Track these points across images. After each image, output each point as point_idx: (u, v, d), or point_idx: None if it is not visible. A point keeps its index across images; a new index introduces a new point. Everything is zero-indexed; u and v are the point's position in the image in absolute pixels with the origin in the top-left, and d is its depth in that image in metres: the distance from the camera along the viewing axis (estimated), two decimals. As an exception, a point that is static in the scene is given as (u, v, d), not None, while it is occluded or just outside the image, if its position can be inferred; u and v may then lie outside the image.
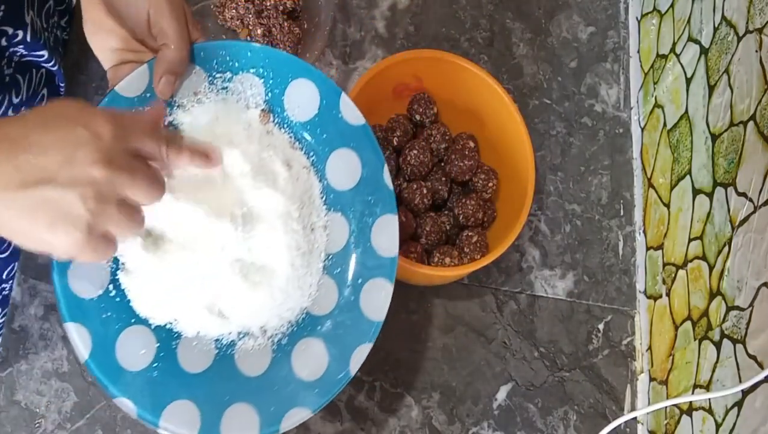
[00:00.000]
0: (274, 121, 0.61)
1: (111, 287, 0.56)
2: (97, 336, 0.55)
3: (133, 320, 0.57)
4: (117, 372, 0.55)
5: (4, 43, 0.64)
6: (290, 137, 0.62)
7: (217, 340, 0.58)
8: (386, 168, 0.61)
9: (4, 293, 0.73)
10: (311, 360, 0.58)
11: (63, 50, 0.76)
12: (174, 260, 0.55)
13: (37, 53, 0.69)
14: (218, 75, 0.60)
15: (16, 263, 0.74)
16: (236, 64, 0.60)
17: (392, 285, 0.59)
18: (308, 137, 0.61)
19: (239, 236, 0.56)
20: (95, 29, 0.57)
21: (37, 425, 0.70)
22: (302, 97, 0.61)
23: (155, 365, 0.56)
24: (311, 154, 0.62)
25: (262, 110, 0.61)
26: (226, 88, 0.60)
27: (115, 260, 0.57)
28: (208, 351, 0.58)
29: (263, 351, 0.58)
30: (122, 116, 0.47)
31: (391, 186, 0.61)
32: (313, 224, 0.60)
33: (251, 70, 0.60)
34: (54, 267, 0.54)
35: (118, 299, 0.56)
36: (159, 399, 0.55)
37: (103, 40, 0.57)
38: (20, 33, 0.64)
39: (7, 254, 0.72)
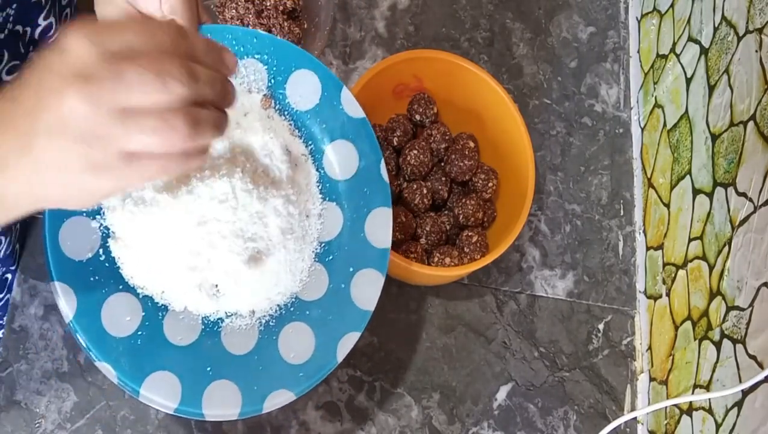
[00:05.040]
0: (275, 107, 0.62)
1: (101, 251, 0.56)
2: (83, 298, 0.54)
3: (120, 287, 0.56)
4: (101, 335, 0.54)
5: (22, 49, 0.64)
6: (290, 124, 0.62)
7: (204, 316, 0.58)
8: (383, 162, 0.62)
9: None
10: (298, 343, 0.58)
11: None
12: (164, 233, 0.55)
13: None
14: None
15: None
16: (242, 49, 0.61)
17: (383, 277, 0.60)
18: (308, 126, 0.62)
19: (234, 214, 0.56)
20: (105, 6, 0.57)
21: (37, 425, 0.70)
22: (304, 87, 0.62)
23: (140, 333, 0.56)
24: (309, 143, 0.63)
25: (264, 95, 0.62)
26: None
27: (106, 227, 0.57)
28: (194, 326, 0.58)
29: (250, 331, 0.58)
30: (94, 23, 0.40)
31: (387, 180, 0.62)
32: (308, 211, 0.61)
33: (256, 56, 0.61)
34: (45, 226, 0.54)
35: (107, 264, 0.56)
36: (141, 368, 0.55)
37: (111, 14, 0.57)
38: (28, 30, 0.65)
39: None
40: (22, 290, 0.74)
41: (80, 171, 0.39)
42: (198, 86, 0.40)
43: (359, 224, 0.61)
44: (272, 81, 0.62)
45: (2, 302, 0.73)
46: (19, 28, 0.63)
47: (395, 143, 0.78)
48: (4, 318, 0.73)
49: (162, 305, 0.58)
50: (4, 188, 0.41)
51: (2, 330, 0.73)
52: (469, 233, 0.74)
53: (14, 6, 0.62)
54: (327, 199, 0.62)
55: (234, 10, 0.82)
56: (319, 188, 0.62)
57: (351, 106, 0.62)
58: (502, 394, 0.77)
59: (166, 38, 0.40)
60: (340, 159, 0.62)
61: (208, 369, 0.56)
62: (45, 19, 0.66)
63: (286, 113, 0.62)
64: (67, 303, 0.54)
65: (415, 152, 0.76)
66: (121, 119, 0.38)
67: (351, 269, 0.60)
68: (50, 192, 0.41)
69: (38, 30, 0.66)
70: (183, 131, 0.39)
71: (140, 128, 0.38)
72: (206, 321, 0.58)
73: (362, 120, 0.62)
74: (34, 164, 0.39)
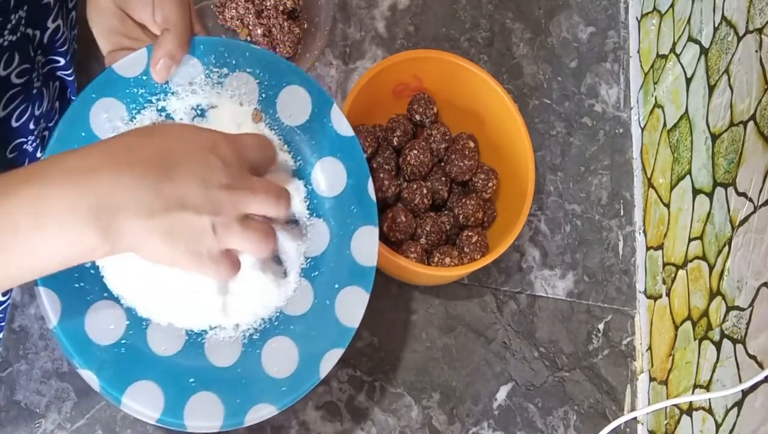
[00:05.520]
0: (265, 121, 0.62)
1: None
2: (68, 304, 0.54)
3: (105, 295, 0.56)
4: (84, 342, 0.54)
5: (32, 53, 0.64)
6: (280, 139, 0.63)
7: (188, 328, 0.58)
8: (370, 181, 0.62)
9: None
10: (281, 358, 0.58)
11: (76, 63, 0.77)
12: None
13: (55, 58, 0.69)
14: (215, 69, 0.61)
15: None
16: (233, 62, 0.61)
17: (368, 294, 0.60)
18: (297, 141, 0.63)
19: None
20: (98, 12, 0.58)
21: (37, 425, 0.70)
22: (295, 103, 0.62)
23: (123, 341, 0.56)
24: (298, 158, 0.63)
25: (255, 108, 0.62)
26: (222, 83, 0.61)
27: None
28: (178, 336, 0.58)
29: (233, 344, 0.58)
30: (234, 137, 0.52)
31: (374, 199, 0.62)
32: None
33: (248, 70, 0.61)
34: None
35: (92, 271, 0.56)
36: (124, 376, 0.55)
37: (105, 23, 0.58)
38: (38, 34, 0.65)
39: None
40: (22, 290, 0.74)
41: (185, 243, 0.48)
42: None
43: (345, 241, 0.61)
44: (263, 95, 0.62)
45: (3, 306, 0.73)
46: (29, 31, 0.63)
47: (395, 143, 0.78)
48: (5, 319, 0.73)
49: (146, 315, 0.58)
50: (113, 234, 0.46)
51: (2, 331, 0.73)
52: (469, 233, 0.74)
53: (25, 8, 0.61)
54: (314, 215, 0.62)
55: (234, 11, 0.82)
56: (307, 204, 0.62)
57: (340, 124, 0.63)
58: (502, 394, 0.77)
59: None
60: (328, 176, 0.62)
61: (191, 380, 0.56)
62: (53, 21, 0.66)
63: (276, 127, 0.62)
64: (51, 309, 0.54)
65: (415, 152, 0.76)
66: (240, 226, 0.50)
67: (336, 286, 0.60)
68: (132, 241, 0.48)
69: (47, 33, 0.66)
70: (268, 243, 0.52)
71: (245, 236, 0.50)
72: (190, 332, 0.58)
73: (351, 138, 0.63)
74: (155, 224, 0.47)
